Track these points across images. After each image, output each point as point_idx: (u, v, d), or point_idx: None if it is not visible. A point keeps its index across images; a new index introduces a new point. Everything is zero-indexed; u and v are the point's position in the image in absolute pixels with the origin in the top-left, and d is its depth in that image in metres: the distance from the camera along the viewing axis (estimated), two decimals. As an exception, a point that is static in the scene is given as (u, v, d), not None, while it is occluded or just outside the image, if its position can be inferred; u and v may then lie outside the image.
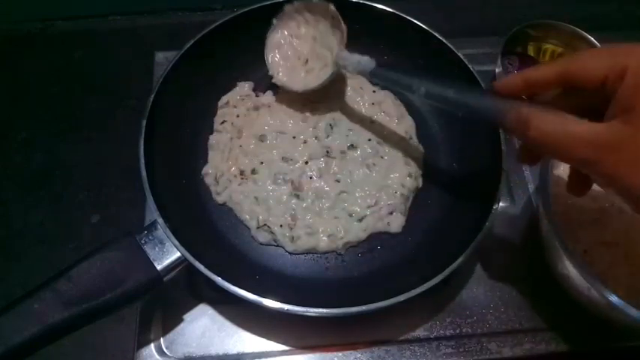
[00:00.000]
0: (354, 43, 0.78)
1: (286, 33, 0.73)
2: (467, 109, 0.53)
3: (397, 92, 0.77)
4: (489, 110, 0.50)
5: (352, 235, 0.65)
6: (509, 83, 0.48)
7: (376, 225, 0.66)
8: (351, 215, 0.66)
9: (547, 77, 0.45)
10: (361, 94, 0.76)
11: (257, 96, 0.76)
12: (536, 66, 0.48)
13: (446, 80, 0.56)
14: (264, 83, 0.76)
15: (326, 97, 0.75)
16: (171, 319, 0.62)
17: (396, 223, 0.67)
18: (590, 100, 0.44)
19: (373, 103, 0.75)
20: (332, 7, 0.68)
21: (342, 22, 0.67)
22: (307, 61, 0.72)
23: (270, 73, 0.73)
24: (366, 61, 0.65)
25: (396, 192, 0.68)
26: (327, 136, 0.71)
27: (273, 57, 0.73)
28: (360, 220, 0.66)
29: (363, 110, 0.75)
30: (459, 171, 0.72)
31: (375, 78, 0.66)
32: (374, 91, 0.76)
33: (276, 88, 0.75)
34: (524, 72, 0.47)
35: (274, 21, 0.72)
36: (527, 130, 0.44)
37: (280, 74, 0.73)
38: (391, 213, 0.67)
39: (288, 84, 0.72)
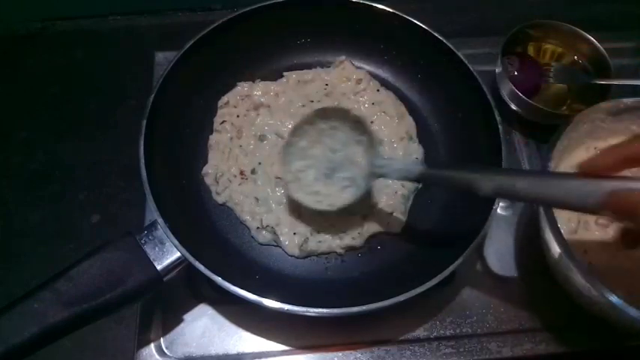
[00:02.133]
0: (353, 43, 0.79)
1: (301, 145, 0.64)
2: (548, 200, 0.47)
3: (398, 92, 0.77)
4: (577, 198, 0.42)
5: (353, 236, 0.65)
6: (605, 162, 0.41)
7: (377, 226, 0.66)
8: (351, 215, 0.66)
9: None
10: (362, 94, 0.76)
11: (257, 96, 0.75)
12: (621, 143, 0.40)
13: (512, 170, 0.49)
14: (265, 83, 0.76)
15: (326, 97, 0.75)
16: (171, 319, 0.62)
17: (396, 224, 0.67)
18: None
19: (373, 103, 0.75)
20: (353, 112, 0.62)
21: (368, 125, 0.61)
22: (331, 174, 0.63)
23: (290, 193, 0.64)
24: (411, 165, 0.56)
25: (396, 192, 0.68)
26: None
27: (292, 177, 0.64)
28: (363, 219, 0.66)
29: (363, 110, 0.75)
30: (459, 171, 0.71)
31: (425, 181, 0.57)
32: (378, 90, 0.76)
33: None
34: (621, 146, 0.41)
35: (284, 146, 0.64)
36: (636, 211, 0.38)
37: (299, 193, 0.63)
38: (391, 213, 0.67)
39: (318, 205, 0.62)
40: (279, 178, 0.68)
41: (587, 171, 0.42)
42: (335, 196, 0.62)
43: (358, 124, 0.61)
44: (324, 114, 0.62)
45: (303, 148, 0.64)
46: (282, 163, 0.64)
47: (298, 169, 0.64)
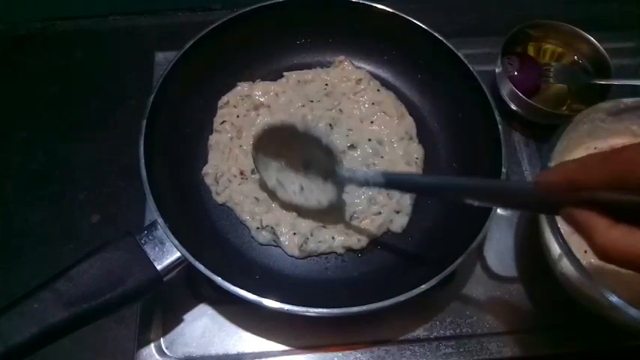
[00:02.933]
0: (353, 43, 0.79)
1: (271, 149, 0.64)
2: (515, 204, 0.51)
3: (398, 92, 0.77)
4: (541, 208, 0.47)
5: (354, 237, 0.65)
6: (550, 182, 0.40)
7: (378, 227, 0.66)
8: (352, 216, 0.66)
9: (593, 183, 0.37)
10: (362, 94, 0.76)
11: (257, 96, 0.75)
12: (579, 165, 0.39)
13: (511, 167, 0.51)
14: (265, 83, 0.76)
15: (326, 97, 0.75)
16: (171, 319, 0.62)
17: (398, 223, 0.67)
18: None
19: (373, 103, 0.75)
20: (298, 125, 0.59)
21: (321, 138, 0.59)
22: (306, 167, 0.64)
23: (280, 196, 0.66)
24: (374, 174, 0.56)
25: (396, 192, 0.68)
26: (327, 136, 0.71)
27: (267, 176, 0.65)
28: (361, 221, 0.66)
29: (363, 110, 0.75)
30: (458, 171, 0.71)
31: (392, 189, 0.60)
32: (378, 90, 0.76)
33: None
34: (566, 170, 0.39)
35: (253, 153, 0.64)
36: (591, 238, 0.38)
37: (284, 197, 0.65)
38: (398, 212, 0.67)
39: (301, 200, 0.64)
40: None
41: (541, 189, 0.41)
42: (319, 190, 0.63)
43: (310, 138, 0.59)
44: (272, 133, 0.60)
45: (272, 151, 0.63)
46: (259, 170, 0.65)
47: (278, 180, 0.65)
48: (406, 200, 0.68)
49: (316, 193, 0.64)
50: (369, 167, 0.69)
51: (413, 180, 0.59)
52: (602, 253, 0.37)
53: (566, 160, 0.41)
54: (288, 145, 0.62)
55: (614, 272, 0.58)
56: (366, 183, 0.58)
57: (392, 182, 0.56)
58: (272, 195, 0.66)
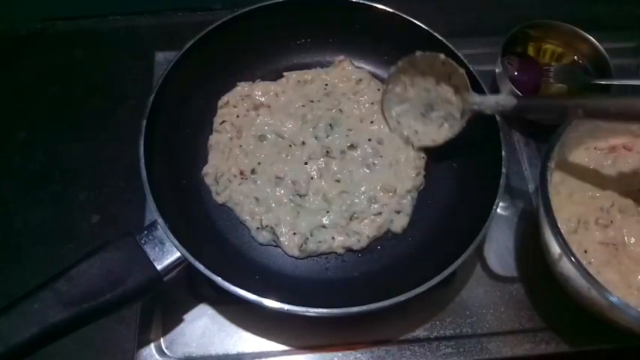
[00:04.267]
0: (353, 43, 0.79)
1: (396, 94, 0.71)
2: (628, 115, 0.52)
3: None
4: None
5: (354, 237, 0.65)
6: None
7: (378, 227, 0.66)
8: (352, 216, 0.66)
9: None
10: (362, 94, 0.76)
11: (257, 96, 0.75)
12: None
13: (599, 92, 0.55)
14: (265, 83, 0.76)
15: (326, 97, 0.75)
16: (171, 319, 0.62)
17: (399, 224, 0.67)
18: None
19: (373, 103, 0.75)
20: (442, 56, 0.66)
21: (458, 67, 0.65)
22: (427, 113, 0.70)
23: (400, 137, 0.71)
24: (506, 100, 0.60)
25: (395, 191, 0.68)
26: (327, 136, 0.71)
27: (395, 124, 0.72)
28: (361, 221, 0.66)
29: (363, 110, 0.75)
30: (458, 171, 0.72)
31: (520, 113, 0.62)
32: (378, 90, 0.76)
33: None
34: None
35: (383, 93, 0.72)
36: None
37: (410, 137, 0.71)
38: (398, 212, 0.67)
39: (420, 142, 0.70)
40: (279, 177, 0.68)
41: None
42: (434, 132, 0.69)
43: (448, 67, 0.65)
44: (414, 62, 0.68)
45: (399, 93, 0.71)
46: (384, 110, 0.71)
47: (398, 114, 0.71)
48: (406, 200, 0.68)
49: (431, 134, 0.70)
50: (369, 167, 0.69)
51: (540, 103, 0.61)
52: None
53: None
54: (416, 82, 0.69)
55: (614, 272, 0.58)
56: (497, 106, 0.61)
57: (522, 106, 0.59)
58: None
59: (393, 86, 0.70)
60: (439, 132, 0.69)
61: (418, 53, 0.67)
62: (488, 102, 0.63)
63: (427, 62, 0.67)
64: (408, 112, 0.71)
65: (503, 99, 0.60)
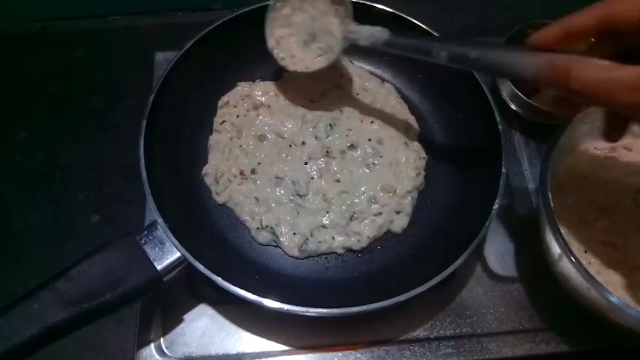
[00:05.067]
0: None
1: (283, 16, 0.70)
2: (495, 68, 0.51)
3: (398, 92, 0.77)
4: (520, 66, 0.47)
5: (354, 237, 0.65)
6: (546, 36, 0.45)
7: (378, 227, 0.66)
8: (352, 216, 0.66)
9: (587, 23, 0.42)
10: (362, 94, 0.76)
11: (257, 96, 0.75)
12: (572, 14, 0.44)
13: (468, 40, 0.53)
14: (265, 83, 0.76)
15: (326, 97, 0.75)
16: (171, 319, 0.62)
17: (399, 224, 0.67)
18: (626, 44, 0.42)
19: (373, 103, 0.75)
20: None
21: None
22: (309, 41, 0.70)
23: (275, 57, 0.70)
24: (380, 32, 0.61)
25: (395, 191, 0.68)
26: (327, 136, 0.71)
27: (274, 43, 0.70)
28: (361, 221, 0.66)
29: (363, 110, 0.74)
30: (459, 171, 0.72)
31: (390, 49, 0.61)
32: (378, 90, 0.76)
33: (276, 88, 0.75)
34: (561, 21, 0.44)
35: (269, 10, 0.70)
36: (568, 81, 0.42)
37: (285, 59, 0.71)
38: (398, 212, 0.67)
39: (294, 67, 0.70)
40: (279, 177, 0.68)
41: (536, 44, 0.46)
42: (310, 60, 0.69)
43: None
44: None
45: (286, 15, 0.69)
46: (266, 27, 0.69)
47: (280, 35, 0.70)
48: (407, 201, 0.68)
49: (306, 62, 0.70)
50: (369, 167, 0.69)
51: (408, 42, 0.60)
52: (574, 90, 0.42)
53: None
54: (305, 9, 0.68)
55: (614, 272, 0.58)
56: (370, 38, 0.61)
57: (393, 42, 0.60)
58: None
59: (281, 5, 0.69)
60: (314, 61, 0.69)
61: None
62: (364, 32, 0.63)
63: None
64: (290, 37, 0.70)
65: (377, 31, 0.61)
